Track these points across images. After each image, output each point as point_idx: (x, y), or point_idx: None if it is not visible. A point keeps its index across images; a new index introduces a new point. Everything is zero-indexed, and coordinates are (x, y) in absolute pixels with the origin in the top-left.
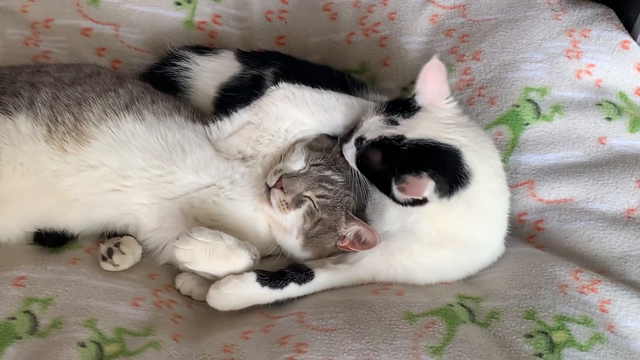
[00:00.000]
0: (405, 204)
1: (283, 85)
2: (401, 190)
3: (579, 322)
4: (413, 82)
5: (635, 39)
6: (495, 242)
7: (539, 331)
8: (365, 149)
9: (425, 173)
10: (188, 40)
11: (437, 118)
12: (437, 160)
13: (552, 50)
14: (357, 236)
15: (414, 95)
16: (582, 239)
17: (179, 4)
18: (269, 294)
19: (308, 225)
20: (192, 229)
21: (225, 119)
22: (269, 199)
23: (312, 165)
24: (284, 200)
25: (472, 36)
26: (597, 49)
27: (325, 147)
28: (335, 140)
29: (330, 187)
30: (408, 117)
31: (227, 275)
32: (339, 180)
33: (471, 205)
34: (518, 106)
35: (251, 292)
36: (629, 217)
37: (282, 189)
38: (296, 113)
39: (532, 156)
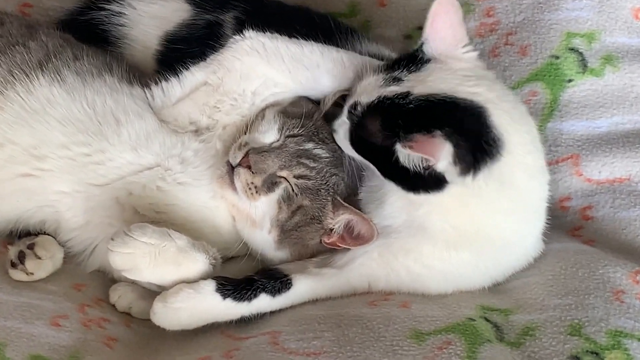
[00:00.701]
0: (413, 184)
1: (250, 34)
2: (406, 147)
3: (639, 339)
4: (420, 28)
5: None
6: (530, 239)
7: (587, 351)
8: (361, 117)
9: (439, 132)
10: None
11: (453, 69)
12: (455, 118)
13: None
14: (348, 228)
15: (422, 44)
16: None
17: None
18: (233, 308)
19: (284, 215)
20: (132, 227)
21: (173, 80)
22: (232, 182)
23: (288, 136)
24: (252, 183)
25: None
26: None
27: (304, 113)
28: (317, 105)
29: (312, 164)
30: (415, 71)
31: (177, 284)
32: (324, 155)
33: (505, 186)
34: (558, 57)
35: (209, 305)
36: None
37: (249, 167)
38: (267, 70)
39: (577, 123)
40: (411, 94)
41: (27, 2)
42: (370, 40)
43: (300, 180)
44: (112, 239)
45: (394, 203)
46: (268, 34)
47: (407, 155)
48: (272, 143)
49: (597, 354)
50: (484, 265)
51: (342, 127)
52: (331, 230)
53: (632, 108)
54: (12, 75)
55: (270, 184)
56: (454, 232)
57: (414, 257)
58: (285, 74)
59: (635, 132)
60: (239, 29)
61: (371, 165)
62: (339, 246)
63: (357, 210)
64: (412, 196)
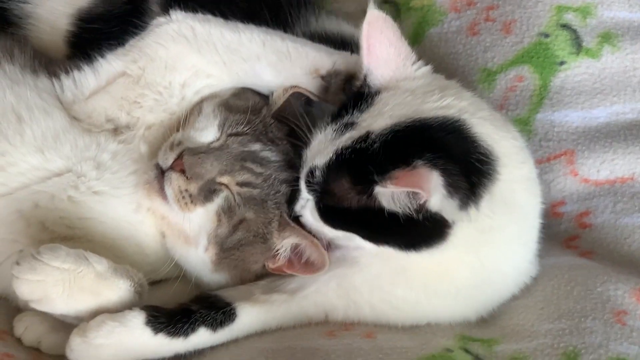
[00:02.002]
0: (415, 241)
1: (177, 16)
2: (386, 186)
3: None
4: (385, 1)
5: None
6: (524, 261)
7: None
8: (324, 182)
9: (419, 161)
10: None
11: (410, 90)
12: (432, 140)
13: None
14: (296, 252)
15: (365, 76)
16: None
17: None
18: (166, 345)
19: (224, 230)
20: (41, 248)
21: (87, 69)
22: (161, 189)
23: (231, 134)
24: (186, 190)
25: None
26: None
27: (250, 107)
28: (265, 98)
29: (258, 169)
30: (367, 108)
31: (99, 316)
32: (273, 158)
33: (511, 209)
34: (548, 35)
35: (138, 341)
36: None
37: (183, 172)
38: (198, 61)
39: (571, 113)
40: (372, 133)
41: None
42: (324, 15)
43: (244, 189)
44: (18, 263)
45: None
46: (199, 15)
47: (390, 195)
48: (211, 142)
49: None
50: (470, 297)
51: (306, 207)
52: (276, 253)
53: (636, 95)
54: None
55: (208, 192)
56: (440, 270)
57: (381, 297)
58: (219, 66)
59: (638, 123)
60: (166, 6)
61: (358, 238)
62: (284, 272)
63: (306, 233)
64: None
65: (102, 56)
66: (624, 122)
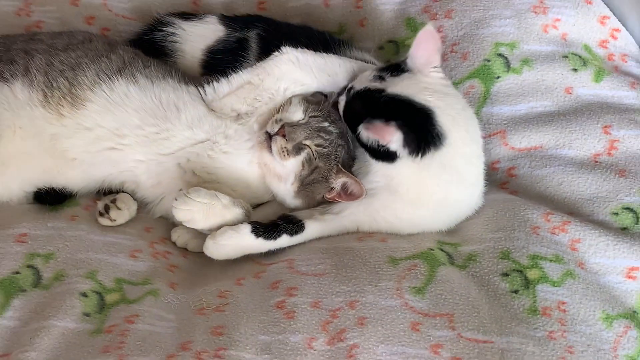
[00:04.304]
0: (375, 153)
1: (287, 49)
2: (366, 129)
3: (551, 260)
4: (390, 41)
5: None
6: (472, 199)
7: (514, 270)
8: (351, 99)
9: (393, 122)
10: (172, 8)
11: (419, 81)
12: (408, 115)
13: (520, 6)
14: (344, 187)
15: (406, 58)
16: (552, 183)
17: None
18: (262, 245)
19: (305, 172)
20: (190, 190)
21: (223, 80)
22: (269, 146)
23: (311, 116)
24: (285, 147)
25: None
26: (563, 4)
27: (320, 101)
28: (326, 97)
29: (326, 137)
30: (395, 75)
31: (222, 227)
32: (334, 131)
33: (446, 167)
34: (489, 60)
35: (246, 242)
36: (596, 162)
37: (284, 136)
38: (299, 76)
39: (504, 107)
40: (384, 91)
41: (106, 27)
42: (354, 49)
43: (319, 148)
44: (176, 199)
45: (376, 172)
46: (300, 49)
47: (366, 135)
48: (299, 120)
49: (520, 271)
50: (440, 218)
51: (342, 101)
52: (332, 188)
53: (543, 96)
54: (99, 78)
55: (298, 149)
56: (416, 194)
57: (390, 212)
58: (313, 79)
59: (546, 113)
60: (261, 43)
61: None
62: (336, 200)
63: (352, 175)
64: (380, 165)
65: (235, 72)
66: (536, 113)
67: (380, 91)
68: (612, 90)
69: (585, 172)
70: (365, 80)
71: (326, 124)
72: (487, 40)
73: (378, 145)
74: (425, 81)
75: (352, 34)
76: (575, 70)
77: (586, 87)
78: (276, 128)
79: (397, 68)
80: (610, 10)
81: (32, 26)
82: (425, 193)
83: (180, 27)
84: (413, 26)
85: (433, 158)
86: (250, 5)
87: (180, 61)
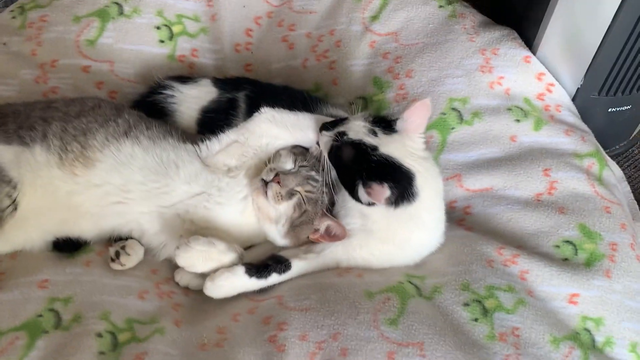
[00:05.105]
0: (359, 200)
1: (265, 110)
2: (368, 194)
3: (504, 290)
4: (359, 97)
5: (534, 54)
6: (433, 239)
7: (473, 300)
8: (343, 144)
9: (386, 184)
10: (171, 71)
11: (407, 145)
12: (396, 177)
13: (469, 66)
14: (328, 230)
15: (398, 118)
16: (502, 220)
17: (162, 41)
18: (255, 283)
19: (296, 215)
20: (190, 239)
21: (214, 139)
22: (265, 192)
23: (300, 166)
24: (279, 193)
25: (404, 57)
26: (505, 64)
27: (303, 152)
28: (305, 149)
29: (314, 184)
30: (387, 134)
31: (220, 270)
32: (320, 179)
33: (412, 217)
34: (445, 114)
35: (241, 282)
36: (539, 200)
37: (278, 183)
38: (276, 132)
39: (458, 154)
40: (378, 150)
41: (113, 90)
42: (329, 105)
43: (308, 194)
44: (178, 248)
45: (354, 214)
46: (277, 108)
47: (362, 193)
48: (290, 169)
49: (479, 301)
50: (407, 254)
51: (327, 138)
52: (317, 230)
53: (492, 143)
54: (108, 140)
55: (290, 195)
56: (387, 233)
57: (365, 249)
58: (288, 134)
59: (494, 159)
60: (249, 102)
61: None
62: (319, 241)
63: (335, 219)
64: (362, 207)
65: (223, 132)
66: (486, 158)
67: (374, 148)
68: (550, 137)
69: (530, 209)
70: (360, 132)
71: (313, 173)
72: (443, 96)
73: (365, 200)
74: (412, 146)
75: (326, 91)
76: (518, 120)
77: (528, 135)
78: (271, 176)
79: (389, 125)
80: (546, 67)
81: (49, 91)
82: (393, 233)
83: (178, 89)
84: (379, 84)
85: (404, 210)
86: (238, 68)
87: (179, 120)
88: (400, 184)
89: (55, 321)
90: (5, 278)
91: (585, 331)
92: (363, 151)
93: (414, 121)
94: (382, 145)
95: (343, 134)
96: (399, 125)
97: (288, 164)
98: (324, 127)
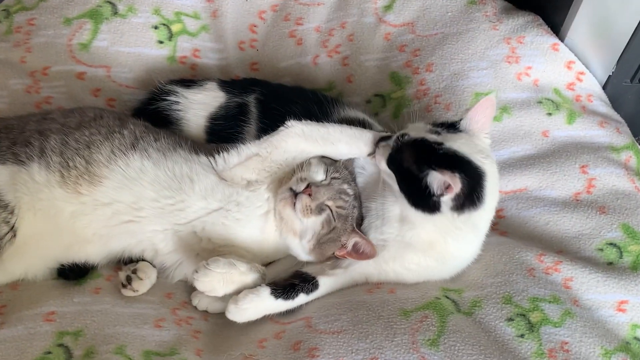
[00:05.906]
0: (418, 201)
1: (292, 123)
2: (441, 173)
3: (549, 302)
4: (376, 95)
5: (562, 40)
6: (476, 252)
7: (517, 314)
8: (404, 144)
9: (457, 173)
10: (172, 74)
11: (474, 143)
12: (468, 170)
13: (494, 57)
14: (356, 247)
15: (461, 119)
16: (540, 223)
17: (161, 42)
18: (282, 305)
19: (324, 231)
20: (209, 261)
21: (232, 151)
22: (292, 203)
23: (332, 178)
24: (309, 206)
25: (423, 50)
26: (532, 53)
27: (334, 162)
28: (334, 161)
29: (346, 199)
30: (450, 132)
31: (243, 291)
32: (352, 194)
33: (474, 227)
34: None
35: (267, 304)
36: (577, 200)
37: (309, 195)
38: (305, 146)
39: None
40: (444, 144)
41: (111, 97)
42: (345, 106)
43: (339, 210)
44: (197, 271)
45: (391, 225)
46: (304, 121)
47: (434, 178)
48: (322, 181)
49: (524, 315)
50: (445, 268)
51: (384, 149)
52: (343, 246)
53: (523, 140)
54: (114, 154)
55: (320, 210)
56: (429, 247)
57: (399, 263)
58: (318, 148)
59: (527, 156)
60: (260, 107)
61: (393, 179)
62: (346, 257)
63: (364, 236)
64: (409, 214)
65: (243, 143)
66: (518, 157)
67: (439, 143)
68: (584, 131)
69: (569, 211)
70: (421, 131)
71: (345, 186)
72: (467, 90)
73: (432, 192)
74: (480, 145)
75: (340, 90)
76: (550, 114)
77: (561, 129)
78: (302, 187)
79: (452, 126)
80: (575, 55)
81: (42, 102)
82: (440, 246)
83: (183, 95)
84: (397, 80)
85: (468, 217)
86: (244, 67)
87: (185, 128)
88: (472, 179)
89: (66, 357)
90: (7, 312)
91: (636, 340)
92: (428, 146)
93: (479, 120)
94: (447, 140)
95: (403, 134)
96: (462, 125)
97: (319, 175)
98: (382, 139)
